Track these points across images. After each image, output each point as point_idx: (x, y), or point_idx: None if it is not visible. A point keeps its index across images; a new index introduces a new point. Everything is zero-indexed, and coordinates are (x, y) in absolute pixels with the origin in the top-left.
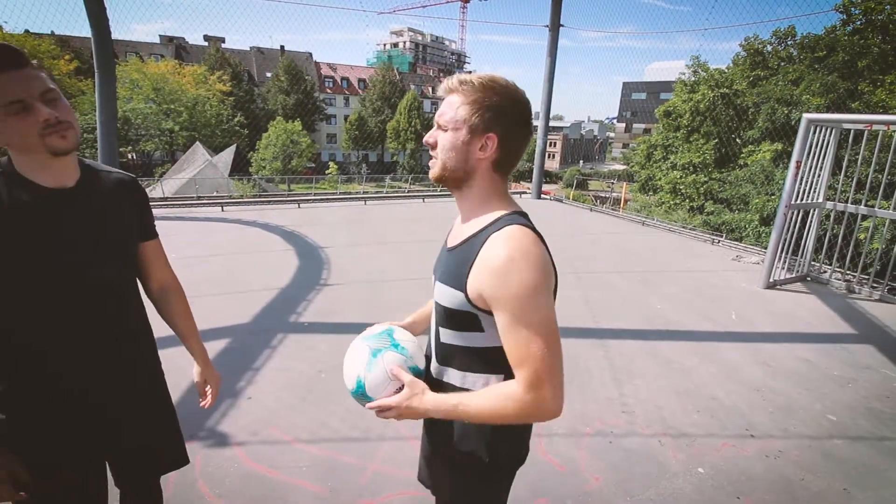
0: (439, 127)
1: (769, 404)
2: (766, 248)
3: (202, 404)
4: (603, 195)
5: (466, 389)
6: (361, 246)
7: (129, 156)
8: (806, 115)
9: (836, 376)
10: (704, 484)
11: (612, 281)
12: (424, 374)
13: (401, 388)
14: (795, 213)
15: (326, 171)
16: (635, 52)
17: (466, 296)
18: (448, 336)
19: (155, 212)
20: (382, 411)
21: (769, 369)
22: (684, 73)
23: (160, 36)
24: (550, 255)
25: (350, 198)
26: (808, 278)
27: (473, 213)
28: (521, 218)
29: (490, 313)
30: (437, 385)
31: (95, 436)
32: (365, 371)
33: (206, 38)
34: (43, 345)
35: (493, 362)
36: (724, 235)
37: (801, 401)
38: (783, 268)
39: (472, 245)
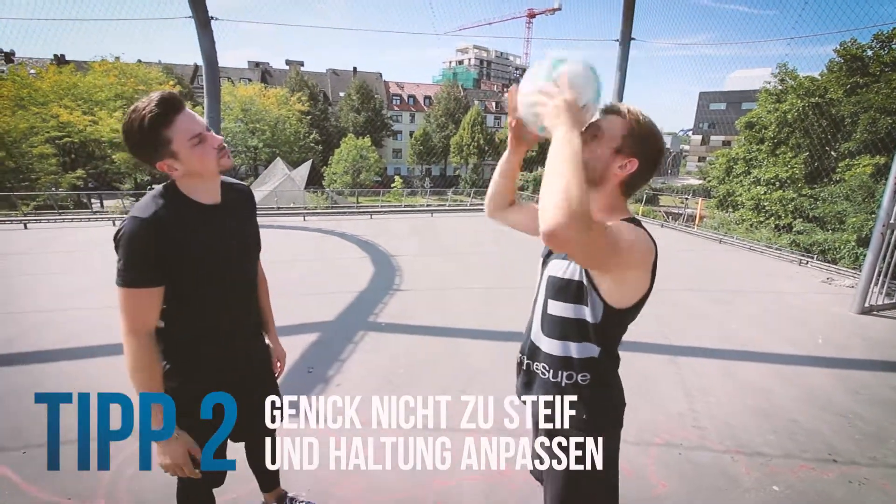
0: (595, 136)
1: (856, 431)
2: (861, 271)
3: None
4: (676, 211)
5: (567, 357)
6: (429, 256)
7: None
8: None
9: None
10: (779, 501)
11: (683, 299)
12: None
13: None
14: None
15: (392, 185)
16: (714, 60)
17: None
18: (556, 308)
19: None
20: (543, 93)
21: (858, 396)
22: (770, 82)
23: (248, 61)
24: (656, 255)
25: (417, 210)
26: None
27: (597, 214)
28: (639, 222)
29: (595, 288)
30: (536, 351)
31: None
32: (574, 61)
33: (288, 62)
34: (207, 327)
35: (593, 335)
36: (815, 256)
37: (893, 431)
38: (881, 292)
39: None
